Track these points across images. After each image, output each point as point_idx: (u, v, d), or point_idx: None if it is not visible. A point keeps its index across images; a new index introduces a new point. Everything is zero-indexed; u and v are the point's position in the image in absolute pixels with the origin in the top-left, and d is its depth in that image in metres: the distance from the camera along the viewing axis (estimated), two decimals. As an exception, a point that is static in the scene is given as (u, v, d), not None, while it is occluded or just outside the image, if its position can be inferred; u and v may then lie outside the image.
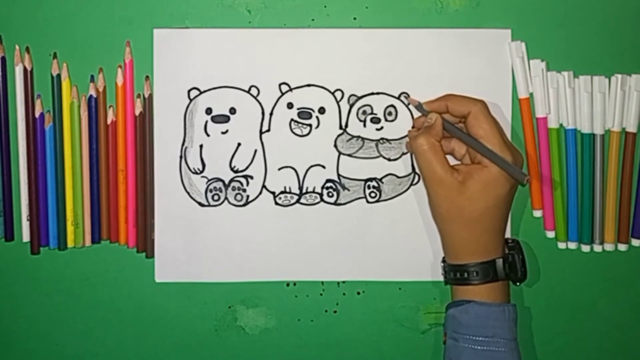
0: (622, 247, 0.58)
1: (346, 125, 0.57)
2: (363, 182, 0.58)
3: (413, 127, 0.57)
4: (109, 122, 0.57)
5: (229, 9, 0.57)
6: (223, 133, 0.57)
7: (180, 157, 0.57)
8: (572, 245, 0.58)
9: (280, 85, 0.57)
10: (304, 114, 0.57)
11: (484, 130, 0.53)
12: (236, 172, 0.58)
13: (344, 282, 0.58)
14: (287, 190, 0.58)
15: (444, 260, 0.56)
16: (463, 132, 0.54)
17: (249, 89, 0.57)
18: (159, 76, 0.57)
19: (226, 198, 0.58)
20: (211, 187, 0.57)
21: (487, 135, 0.52)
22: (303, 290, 0.59)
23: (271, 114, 0.57)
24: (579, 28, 0.57)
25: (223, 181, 0.58)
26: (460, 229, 0.53)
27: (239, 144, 0.57)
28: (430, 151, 0.53)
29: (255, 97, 0.57)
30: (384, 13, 0.57)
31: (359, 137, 0.57)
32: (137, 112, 0.57)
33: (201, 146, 0.57)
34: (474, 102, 0.54)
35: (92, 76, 0.57)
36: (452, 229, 0.53)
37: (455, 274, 0.54)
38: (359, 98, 0.57)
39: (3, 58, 0.56)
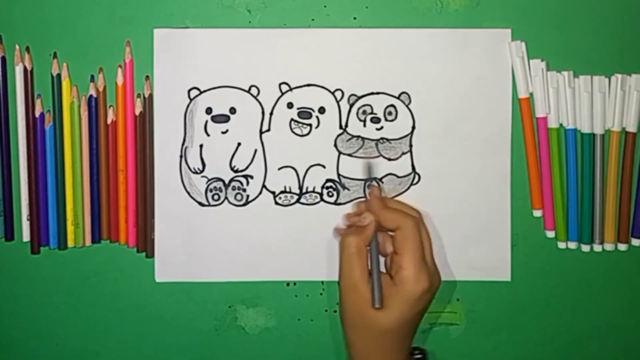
0: (622, 247, 0.58)
1: (346, 125, 0.57)
2: (363, 182, 0.58)
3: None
4: (109, 122, 0.57)
5: (229, 9, 0.57)
6: (223, 133, 0.57)
7: (181, 156, 0.57)
8: (572, 245, 0.58)
9: (280, 85, 0.57)
10: (304, 113, 0.57)
11: (407, 248, 0.51)
12: (236, 171, 0.58)
13: (344, 281, 0.58)
14: (287, 190, 0.58)
15: None
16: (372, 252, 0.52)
17: (249, 89, 0.57)
18: (159, 76, 0.57)
19: (226, 198, 0.58)
20: (211, 186, 0.57)
21: (408, 252, 0.51)
22: (303, 290, 0.59)
23: (271, 113, 0.57)
24: (579, 28, 0.57)
25: (223, 181, 0.58)
26: (362, 341, 0.51)
27: (239, 144, 0.57)
28: (356, 255, 0.51)
29: (255, 97, 0.57)
30: (384, 13, 0.57)
31: (359, 136, 0.58)
32: (137, 112, 0.57)
33: (201, 146, 0.57)
34: (405, 218, 0.52)
35: (92, 76, 0.57)
36: (355, 338, 0.52)
37: None
38: (359, 98, 0.57)
39: (3, 58, 0.56)
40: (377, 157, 0.56)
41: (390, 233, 0.54)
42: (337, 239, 0.56)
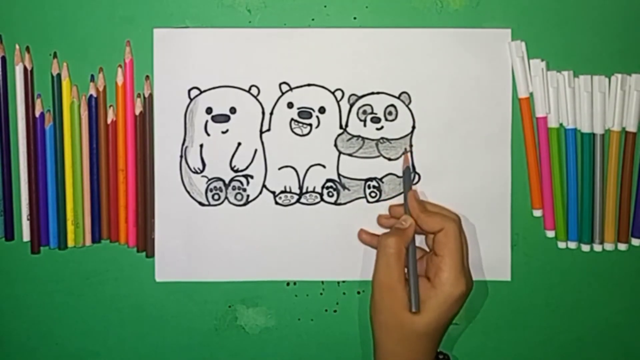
0: (622, 246, 0.58)
1: (346, 125, 0.57)
2: (363, 182, 0.58)
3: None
4: (109, 121, 0.57)
5: (229, 8, 0.57)
6: (223, 132, 0.57)
7: (181, 156, 0.57)
8: (572, 245, 0.58)
9: (280, 84, 0.57)
10: (304, 113, 0.57)
11: (449, 250, 0.51)
12: (236, 171, 0.58)
13: (344, 281, 0.58)
14: (287, 189, 0.58)
15: None
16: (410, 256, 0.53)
17: (249, 89, 0.57)
18: (159, 76, 0.57)
19: (226, 197, 0.58)
20: (211, 186, 0.57)
21: (450, 255, 0.51)
22: (303, 290, 0.59)
23: (271, 113, 0.57)
24: (579, 28, 0.57)
25: (223, 181, 0.58)
26: (393, 342, 0.52)
27: (239, 144, 0.57)
28: (395, 256, 0.51)
29: (255, 97, 0.57)
30: (384, 13, 0.57)
31: (359, 136, 0.58)
32: (137, 112, 0.57)
33: (201, 146, 0.57)
34: (448, 221, 0.52)
35: (92, 76, 0.57)
36: (385, 339, 0.52)
37: None
38: (359, 97, 0.57)
39: (3, 58, 0.56)
40: (410, 170, 0.57)
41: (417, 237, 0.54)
42: (361, 241, 0.57)
